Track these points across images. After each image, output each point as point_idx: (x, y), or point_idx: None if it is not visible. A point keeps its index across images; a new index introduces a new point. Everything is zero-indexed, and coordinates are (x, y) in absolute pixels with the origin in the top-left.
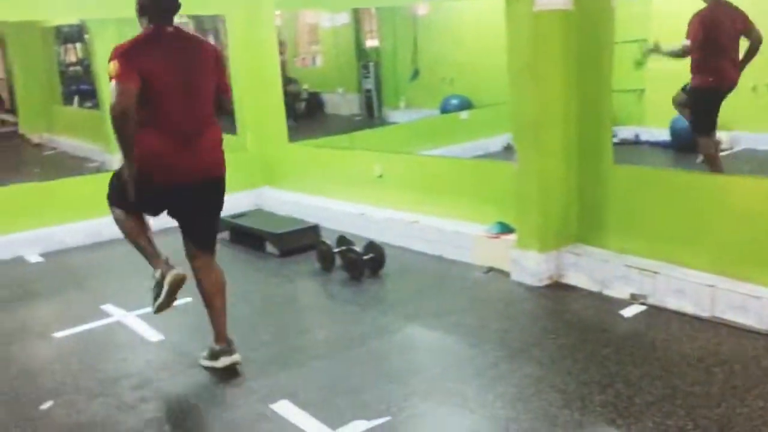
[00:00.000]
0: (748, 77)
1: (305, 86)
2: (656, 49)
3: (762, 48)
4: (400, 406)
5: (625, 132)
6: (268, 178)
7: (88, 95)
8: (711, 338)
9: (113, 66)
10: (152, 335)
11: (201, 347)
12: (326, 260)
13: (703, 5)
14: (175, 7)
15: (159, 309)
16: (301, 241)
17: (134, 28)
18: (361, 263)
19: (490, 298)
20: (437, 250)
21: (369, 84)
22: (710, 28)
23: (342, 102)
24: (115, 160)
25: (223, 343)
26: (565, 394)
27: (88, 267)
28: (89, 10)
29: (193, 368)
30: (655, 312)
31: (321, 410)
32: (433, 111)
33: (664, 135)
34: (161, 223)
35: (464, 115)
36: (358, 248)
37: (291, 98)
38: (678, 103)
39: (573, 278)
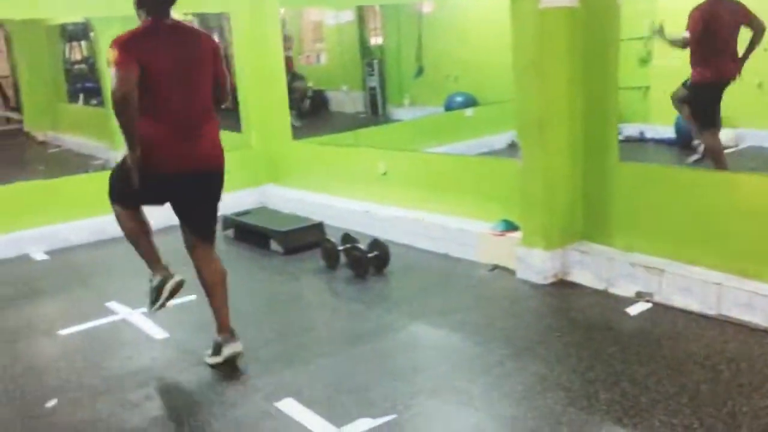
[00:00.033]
0: (753, 74)
1: (310, 84)
2: (661, 32)
3: None
4: (405, 404)
5: (630, 129)
6: (272, 176)
7: (93, 93)
8: (717, 336)
9: (112, 53)
10: (157, 333)
11: (206, 345)
12: (331, 258)
13: None
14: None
15: (155, 311)
16: (305, 239)
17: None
18: (366, 261)
19: (496, 296)
20: (442, 248)
21: (373, 81)
22: (710, 21)
23: (346, 99)
24: (120, 156)
25: (226, 333)
26: (571, 392)
27: (92, 264)
28: (94, 7)
29: (198, 366)
30: (661, 310)
31: (326, 408)
32: (437, 108)
33: (669, 132)
34: (161, 222)
35: (469, 112)
36: (362, 246)
37: (298, 95)
38: (677, 99)
39: (578, 276)
